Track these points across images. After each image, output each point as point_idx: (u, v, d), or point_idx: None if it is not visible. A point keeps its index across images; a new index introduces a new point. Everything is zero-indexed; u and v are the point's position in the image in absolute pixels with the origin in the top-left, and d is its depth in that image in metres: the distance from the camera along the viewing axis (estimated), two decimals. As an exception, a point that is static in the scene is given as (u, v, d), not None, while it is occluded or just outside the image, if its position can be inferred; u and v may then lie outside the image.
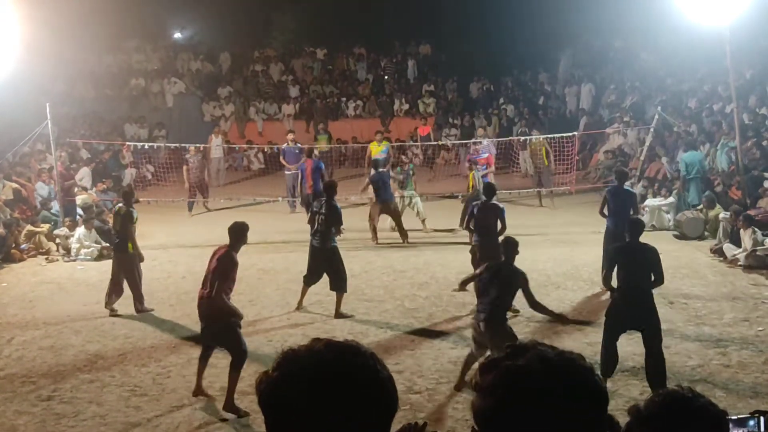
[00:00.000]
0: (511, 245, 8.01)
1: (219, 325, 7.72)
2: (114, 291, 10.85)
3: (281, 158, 19.00)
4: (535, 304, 7.79)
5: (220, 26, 30.17)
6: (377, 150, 17.37)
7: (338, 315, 10.45)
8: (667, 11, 16.59)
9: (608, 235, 11.11)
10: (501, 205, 11.11)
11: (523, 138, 20.88)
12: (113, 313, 10.74)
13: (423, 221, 15.84)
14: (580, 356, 1.55)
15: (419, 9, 29.82)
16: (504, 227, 10.68)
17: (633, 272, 7.79)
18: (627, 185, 11.83)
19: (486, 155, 17.08)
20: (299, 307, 10.74)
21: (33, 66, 18.29)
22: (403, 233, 14.89)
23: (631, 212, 11.15)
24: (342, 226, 10.90)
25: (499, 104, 27.59)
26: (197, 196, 18.84)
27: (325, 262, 10.58)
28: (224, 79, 28.70)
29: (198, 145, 19.53)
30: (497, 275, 7.74)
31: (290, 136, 19.63)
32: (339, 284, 10.54)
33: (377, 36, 30.58)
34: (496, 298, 7.60)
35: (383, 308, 10.79)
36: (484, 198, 11.15)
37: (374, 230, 14.91)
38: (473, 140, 19.15)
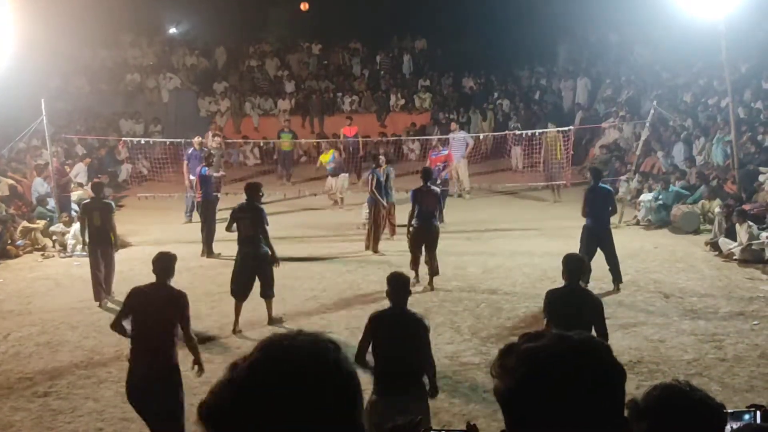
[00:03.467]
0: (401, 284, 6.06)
1: (166, 387, 6.17)
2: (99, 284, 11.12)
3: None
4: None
5: (216, 21, 30.09)
6: (326, 158, 16.90)
7: (272, 321, 9.94)
8: (663, 5, 16.59)
9: (586, 232, 11.14)
10: (438, 189, 11.58)
11: (517, 132, 21.01)
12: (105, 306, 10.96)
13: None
14: (596, 337, 1.59)
15: (414, 4, 29.77)
16: (441, 210, 11.40)
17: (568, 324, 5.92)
18: (603, 183, 11.83)
19: (446, 152, 17.18)
20: (235, 329, 9.70)
21: (28, 61, 18.22)
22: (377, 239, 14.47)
23: (610, 209, 11.25)
24: (267, 226, 9.93)
25: (495, 99, 27.60)
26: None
27: (258, 268, 9.84)
28: (220, 75, 28.67)
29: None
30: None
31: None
32: (269, 291, 9.92)
33: (373, 31, 30.54)
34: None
35: (380, 304, 10.76)
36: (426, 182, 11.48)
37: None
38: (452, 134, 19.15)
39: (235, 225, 9.92)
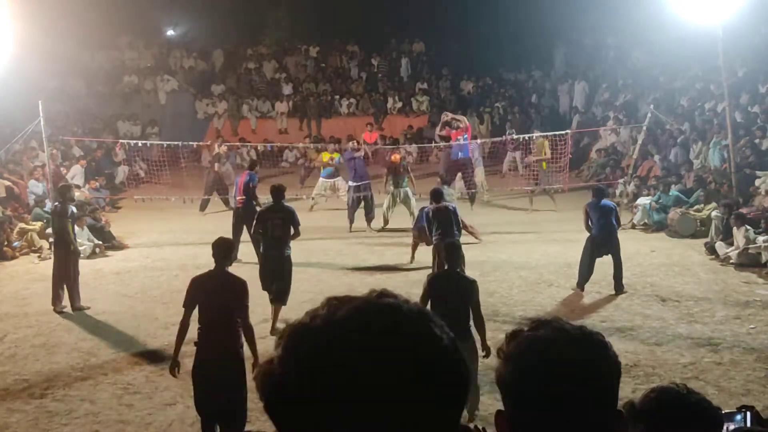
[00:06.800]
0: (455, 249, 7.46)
1: (235, 386, 6.21)
2: (60, 289, 10.79)
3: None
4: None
5: (214, 23, 30.12)
6: (333, 157, 16.40)
7: (274, 330, 9.15)
8: (660, 9, 16.62)
9: (590, 240, 11.12)
10: (452, 205, 11.06)
11: (513, 138, 20.97)
12: (61, 311, 10.71)
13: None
14: (599, 333, 1.60)
15: (412, 7, 29.82)
16: (461, 227, 10.72)
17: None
18: (606, 199, 11.51)
19: (463, 125, 17.28)
20: (274, 330, 9.17)
21: (25, 62, 18.20)
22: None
23: (614, 222, 11.02)
24: (300, 227, 9.85)
25: (492, 102, 27.63)
26: (214, 195, 18.47)
27: (279, 272, 9.61)
28: (217, 77, 28.68)
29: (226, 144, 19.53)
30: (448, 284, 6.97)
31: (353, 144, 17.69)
32: (284, 296, 9.60)
33: (371, 34, 30.56)
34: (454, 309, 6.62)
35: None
36: (433, 203, 10.79)
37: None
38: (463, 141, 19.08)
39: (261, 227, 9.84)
